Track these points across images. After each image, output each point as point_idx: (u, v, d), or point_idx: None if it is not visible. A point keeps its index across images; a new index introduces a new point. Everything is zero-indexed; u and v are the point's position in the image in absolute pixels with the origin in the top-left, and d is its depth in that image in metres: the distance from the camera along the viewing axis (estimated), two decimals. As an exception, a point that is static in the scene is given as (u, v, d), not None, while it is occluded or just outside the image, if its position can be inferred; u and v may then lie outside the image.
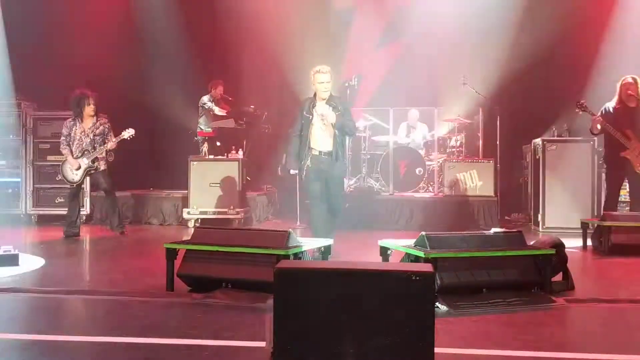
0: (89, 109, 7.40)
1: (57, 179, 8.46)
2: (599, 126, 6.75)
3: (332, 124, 5.74)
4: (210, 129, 9.45)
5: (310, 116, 5.81)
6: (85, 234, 7.83)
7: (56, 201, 9.04)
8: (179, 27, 10.51)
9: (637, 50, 8.89)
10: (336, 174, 5.92)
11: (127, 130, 7.47)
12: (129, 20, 10.59)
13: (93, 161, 7.39)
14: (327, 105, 5.79)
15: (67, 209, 7.65)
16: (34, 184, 9.12)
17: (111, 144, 7.38)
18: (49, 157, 9.07)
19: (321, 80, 5.81)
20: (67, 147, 7.44)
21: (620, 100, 6.80)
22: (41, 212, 9.14)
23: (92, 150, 7.38)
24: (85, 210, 8.67)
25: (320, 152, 5.82)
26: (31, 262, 5.56)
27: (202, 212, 8.51)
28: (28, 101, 9.28)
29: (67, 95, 7.62)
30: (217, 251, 4.34)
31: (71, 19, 10.12)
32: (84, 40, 10.01)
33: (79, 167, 7.37)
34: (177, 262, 4.43)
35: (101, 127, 7.47)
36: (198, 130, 9.68)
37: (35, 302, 4.28)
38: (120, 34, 10.40)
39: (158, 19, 10.54)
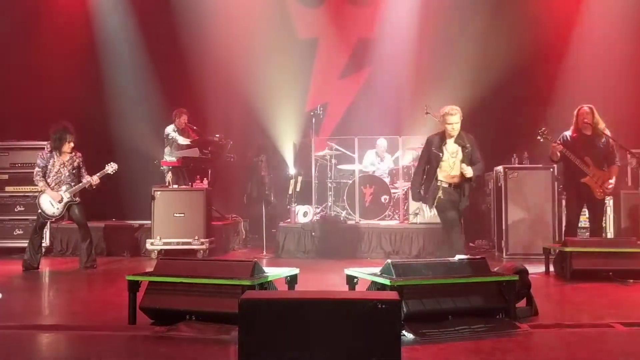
0: (69, 144, 7.29)
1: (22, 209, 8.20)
2: (559, 153, 6.90)
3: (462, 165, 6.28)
4: (174, 158, 9.36)
5: (441, 154, 6.34)
6: (45, 267, 7.61)
7: (14, 233, 8.80)
8: (142, 57, 10.47)
9: (594, 79, 9.17)
10: (461, 207, 6.41)
11: (110, 164, 7.40)
12: (90, 49, 10.51)
13: (74, 195, 7.29)
14: (455, 144, 6.33)
15: (29, 241, 7.39)
16: (-10, 216, 8.87)
17: (95, 178, 7.27)
18: (7, 188, 8.85)
19: (451, 122, 6.28)
20: (43, 179, 7.26)
21: (577, 129, 6.96)
22: (-2, 245, 8.87)
23: (71, 183, 7.26)
24: (46, 242, 8.45)
25: (450, 184, 6.33)
26: (-13, 297, 5.38)
27: (165, 243, 8.37)
28: (-15, 132, 9.09)
29: (47, 126, 7.45)
30: (181, 282, 4.26)
31: (29, 49, 9.99)
32: (43, 71, 9.89)
33: (61, 200, 7.22)
34: (140, 295, 4.34)
35: (77, 160, 7.37)
36: (162, 160, 9.57)
37: (-9, 338, 4.12)
38: (80, 62, 10.31)
39: (121, 48, 10.50)
